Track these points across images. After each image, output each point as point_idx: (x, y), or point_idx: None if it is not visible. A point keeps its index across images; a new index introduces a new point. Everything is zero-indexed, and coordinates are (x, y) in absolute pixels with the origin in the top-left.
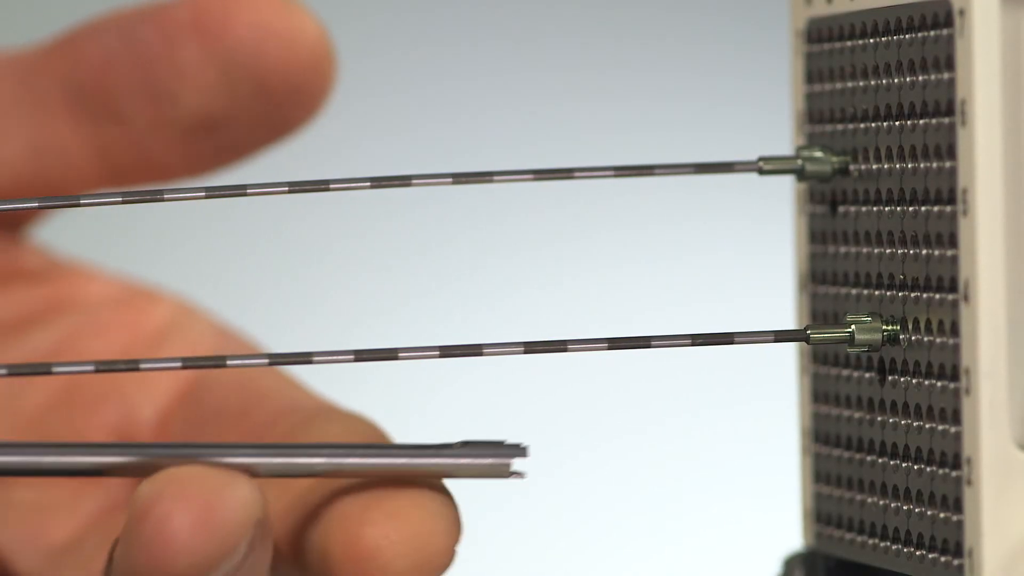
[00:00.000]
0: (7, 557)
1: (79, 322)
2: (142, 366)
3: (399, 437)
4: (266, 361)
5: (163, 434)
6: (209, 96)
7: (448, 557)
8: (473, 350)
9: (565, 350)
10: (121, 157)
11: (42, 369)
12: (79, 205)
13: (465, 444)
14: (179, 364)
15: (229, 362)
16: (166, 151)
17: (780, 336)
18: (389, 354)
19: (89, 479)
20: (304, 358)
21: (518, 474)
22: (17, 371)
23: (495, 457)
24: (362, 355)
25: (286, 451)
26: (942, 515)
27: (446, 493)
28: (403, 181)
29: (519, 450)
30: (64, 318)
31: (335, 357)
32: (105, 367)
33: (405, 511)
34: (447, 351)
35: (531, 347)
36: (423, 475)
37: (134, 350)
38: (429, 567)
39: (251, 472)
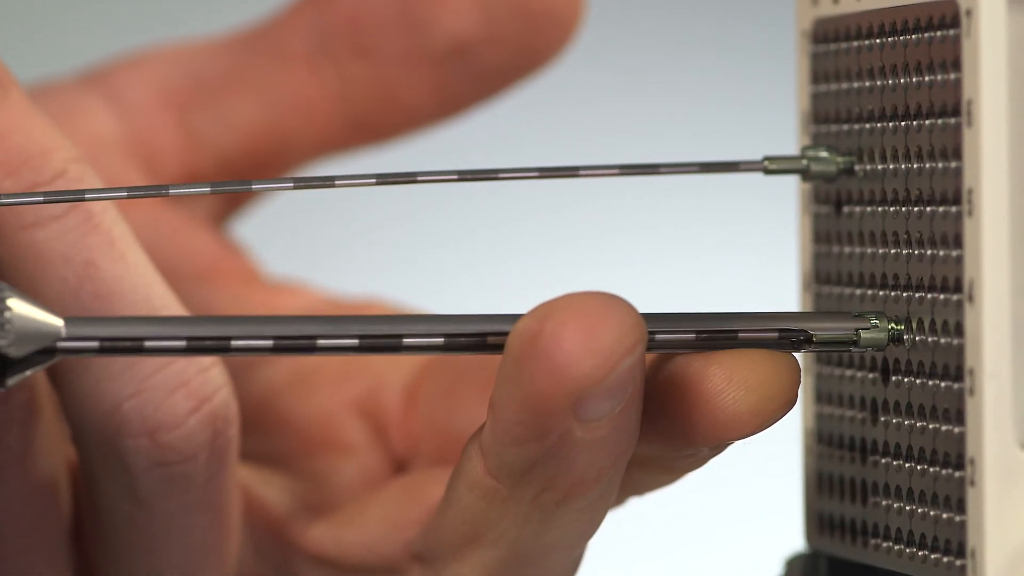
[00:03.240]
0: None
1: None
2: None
3: None
4: (270, 345)
5: (412, 404)
6: (466, 20)
7: (792, 394)
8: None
9: None
10: (366, 98)
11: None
12: (83, 199)
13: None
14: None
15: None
16: (415, 86)
17: (784, 335)
18: (394, 342)
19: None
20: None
21: (861, 348)
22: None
23: (840, 327)
24: (366, 342)
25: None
26: (945, 516)
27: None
28: (409, 178)
29: (863, 319)
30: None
31: (340, 341)
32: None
33: (746, 354)
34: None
35: None
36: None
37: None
38: (777, 401)
39: None
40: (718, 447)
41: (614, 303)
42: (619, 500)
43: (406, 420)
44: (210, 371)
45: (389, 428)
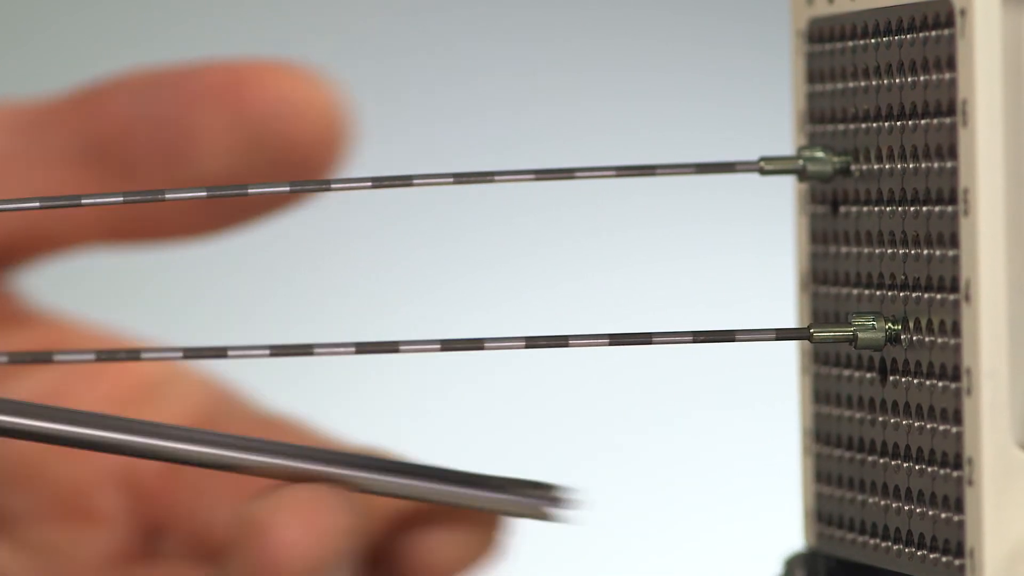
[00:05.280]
0: None
1: (70, 370)
2: (143, 356)
3: (406, 430)
4: (267, 352)
5: (174, 473)
6: (224, 161)
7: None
8: (474, 344)
9: (566, 345)
10: (129, 214)
11: (43, 357)
12: (79, 204)
13: (508, 481)
14: (180, 355)
15: (230, 353)
16: (181, 207)
17: (782, 334)
18: (390, 347)
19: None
20: (305, 350)
21: (558, 518)
22: (18, 359)
23: (534, 500)
24: (364, 347)
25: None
26: (943, 515)
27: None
28: (404, 181)
29: (557, 500)
30: (54, 366)
31: (336, 349)
32: (106, 356)
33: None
34: (448, 345)
35: (532, 342)
36: (460, 505)
37: (127, 401)
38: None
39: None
40: None
41: (332, 506)
42: None
43: (165, 491)
44: None
45: (147, 498)
